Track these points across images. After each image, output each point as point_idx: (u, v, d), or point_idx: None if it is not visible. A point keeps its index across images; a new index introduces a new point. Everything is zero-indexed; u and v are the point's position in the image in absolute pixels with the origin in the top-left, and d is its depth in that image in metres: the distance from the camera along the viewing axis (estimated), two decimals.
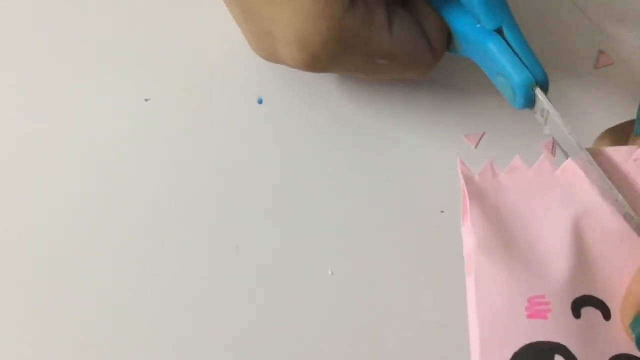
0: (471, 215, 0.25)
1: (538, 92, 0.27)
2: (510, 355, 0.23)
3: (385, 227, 0.32)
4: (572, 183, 0.25)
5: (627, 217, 0.23)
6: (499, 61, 0.28)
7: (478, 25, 0.28)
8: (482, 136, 0.33)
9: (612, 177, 0.24)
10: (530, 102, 0.28)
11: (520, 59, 0.28)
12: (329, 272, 0.32)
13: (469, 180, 0.25)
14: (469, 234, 0.25)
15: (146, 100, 0.34)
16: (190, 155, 0.33)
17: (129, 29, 0.35)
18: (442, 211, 0.33)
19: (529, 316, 0.23)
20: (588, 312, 0.23)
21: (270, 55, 0.29)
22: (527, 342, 0.23)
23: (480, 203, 0.25)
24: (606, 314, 0.23)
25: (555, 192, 0.25)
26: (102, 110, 0.34)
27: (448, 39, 0.31)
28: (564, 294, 0.23)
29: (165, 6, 0.35)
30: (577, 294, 0.23)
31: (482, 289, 0.24)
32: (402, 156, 0.33)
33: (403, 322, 0.31)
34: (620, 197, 0.23)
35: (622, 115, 0.34)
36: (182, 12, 0.35)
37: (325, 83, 0.34)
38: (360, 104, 0.34)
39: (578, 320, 0.23)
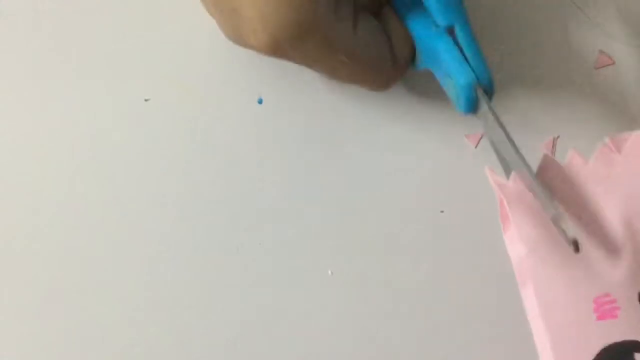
0: (514, 222, 0.24)
1: (480, 94, 0.26)
2: None
3: (385, 227, 0.32)
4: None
5: (561, 231, 0.23)
6: (446, 61, 0.27)
7: (434, 28, 0.28)
8: (482, 136, 0.33)
9: (558, 188, 0.24)
10: (472, 104, 0.27)
11: (467, 60, 0.27)
12: (329, 272, 0.32)
13: (502, 187, 0.24)
14: (516, 242, 0.24)
15: (146, 100, 0.34)
16: (190, 155, 0.33)
17: (129, 29, 0.35)
18: (442, 211, 0.33)
19: (599, 318, 0.22)
20: None
21: (238, 36, 0.29)
22: (603, 345, 0.22)
23: (522, 207, 0.24)
24: None
25: (593, 184, 0.24)
26: (102, 110, 0.34)
27: (412, 53, 0.30)
28: (629, 287, 0.22)
29: (165, 6, 0.35)
30: None
31: (544, 298, 0.23)
32: (402, 156, 0.33)
33: (403, 322, 0.31)
34: (559, 212, 0.23)
35: (621, 115, 0.34)
36: (182, 12, 0.35)
37: (326, 83, 0.34)
38: (361, 104, 0.34)
39: None
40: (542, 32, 0.35)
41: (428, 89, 0.34)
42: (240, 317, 0.31)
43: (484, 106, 0.26)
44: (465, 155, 0.33)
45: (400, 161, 0.33)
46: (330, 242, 0.32)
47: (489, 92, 0.27)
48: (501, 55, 0.34)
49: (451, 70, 0.27)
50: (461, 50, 0.27)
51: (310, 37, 0.27)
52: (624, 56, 0.35)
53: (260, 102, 0.34)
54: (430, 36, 0.28)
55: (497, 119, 0.25)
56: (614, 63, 0.35)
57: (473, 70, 0.26)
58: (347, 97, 0.34)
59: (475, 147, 0.33)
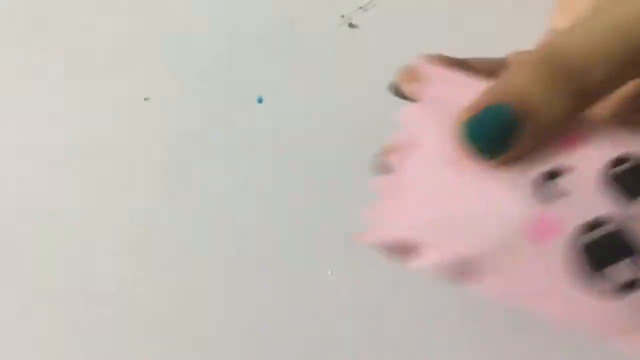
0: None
1: None
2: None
3: None
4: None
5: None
6: None
7: None
8: None
9: None
10: None
11: None
12: (329, 272, 0.32)
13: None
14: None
15: (146, 99, 0.34)
16: (190, 154, 0.33)
17: (129, 28, 0.35)
18: None
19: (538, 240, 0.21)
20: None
21: None
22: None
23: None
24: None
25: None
26: (102, 110, 0.34)
27: None
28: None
29: (165, 6, 0.35)
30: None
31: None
32: None
33: (403, 321, 0.31)
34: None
35: None
36: (182, 12, 0.35)
37: (326, 83, 0.34)
38: (360, 104, 0.34)
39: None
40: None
41: None
42: (240, 316, 0.31)
43: None
44: None
45: None
46: (330, 242, 0.32)
47: None
48: None
49: None
50: None
51: None
52: None
53: (260, 101, 0.34)
54: None
55: None
56: None
57: None
58: (347, 96, 0.34)
59: None
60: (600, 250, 0.20)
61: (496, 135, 0.21)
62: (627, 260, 0.20)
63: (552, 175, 0.21)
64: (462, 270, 0.22)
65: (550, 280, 0.21)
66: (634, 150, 0.22)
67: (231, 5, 0.35)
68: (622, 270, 0.20)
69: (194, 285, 0.32)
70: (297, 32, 0.34)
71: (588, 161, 0.22)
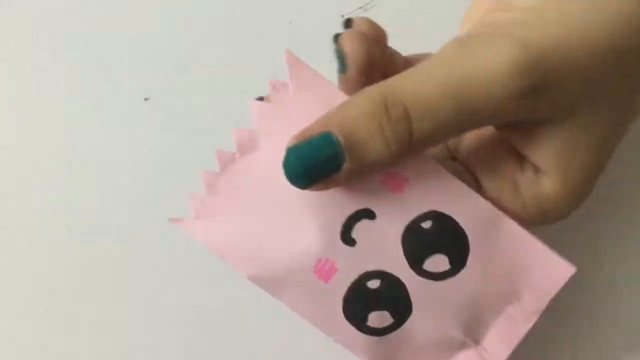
0: None
1: None
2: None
3: None
4: None
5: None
6: None
7: None
8: None
9: None
10: None
11: None
12: None
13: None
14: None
15: (146, 99, 0.34)
16: (189, 154, 0.33)
17: (129, 27, 0.35)
18: None
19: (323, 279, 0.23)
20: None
21: None
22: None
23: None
24: None
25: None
26: (102, 109, 0.34)
27: None
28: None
29: (165, 6, 0.35)
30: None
31: None
32: None
33: None
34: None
35: None
36: (181, 11, 0.35)
37: None
38: None
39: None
40: None
41: None
42: (241, 316, 0.31)
43: None
44: None
45: None
46: None
47: None
48: None
49: None
50: None
51: None
52: None
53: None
54: None
55: None
56: None
57: None
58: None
59: None
60: (366, 299, 0.23)
61: (313, 165, 0.21)
62: (386, 312, 0.23)
63: (363, 216, 0.22)
64: (264, 286, 0.23)
65: (324, 310, 0.23)
66: (444, 208, 0.22)
67: (230, 5, 0.35)
68: (382, 318, 0.23)
69: (193, 284, 0.32)
70: (296, 32, 0.35)
71: (400, 210, 0.22)
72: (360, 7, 0.35)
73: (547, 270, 0.23)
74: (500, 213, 0.23)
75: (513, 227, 0.23)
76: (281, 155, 0.21)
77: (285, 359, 0.31)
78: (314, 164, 0.21)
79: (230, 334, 0.31)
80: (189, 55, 0.35)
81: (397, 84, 0.21)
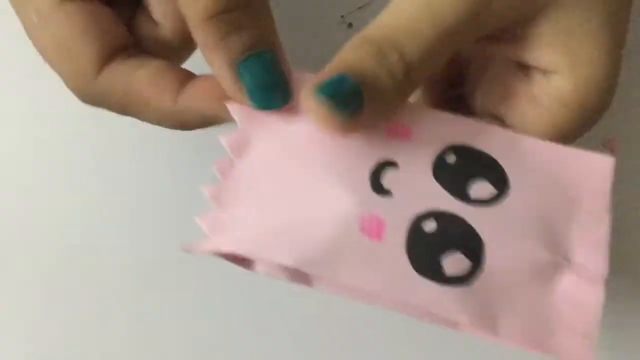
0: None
1: None
2: None
3: None
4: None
5: None
6: None
7: None
8: None
9: None
10: None
11: None
12: None
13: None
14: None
15: None
16: (189, 154, 0.33)
17: None
18: None
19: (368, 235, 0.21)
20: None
21: None
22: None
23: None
24: None
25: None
26: (101, 109, 0.34)
27: None
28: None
29: None
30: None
31: None
32: None
33: (403, 320, 0.31)
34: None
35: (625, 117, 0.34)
36: None
37: None
38: None
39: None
40: None
41: None
42: (240, 315, 0.31)
43: None
44: None
45: None
46: None
47: None
48: None
49: None
50: None
51: None
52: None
53: None
54: None
55: None
56: None
57: None
58: None
59: None
60: (432, 244, 0.21)
61: (349, 93, 0.21)
62: (458, 253, 0.20)
63: (386, 167, 0.22)
64: (299, 278, 0.21)
65: (391, 273, 0.20)
66: (459, 141, 0.22)
67: None
68: (457, 261, 0.20)
69: (193, 283, 0.32)
70: (296, 32, 0.35)
71: (418, 152, 0.22)
72: (360, 7, 0.35)
73: (586, 168, 0.22)
74: (514, 134, 0.22)
75: (532, 142, 0.22)
76: (279, 140, 0.21)
77: None
78: (347, 92, 0.21)
79: (231, 334, 0.31)
80: (189, 56, 0.35)
81: (383, 20, 0.22)
